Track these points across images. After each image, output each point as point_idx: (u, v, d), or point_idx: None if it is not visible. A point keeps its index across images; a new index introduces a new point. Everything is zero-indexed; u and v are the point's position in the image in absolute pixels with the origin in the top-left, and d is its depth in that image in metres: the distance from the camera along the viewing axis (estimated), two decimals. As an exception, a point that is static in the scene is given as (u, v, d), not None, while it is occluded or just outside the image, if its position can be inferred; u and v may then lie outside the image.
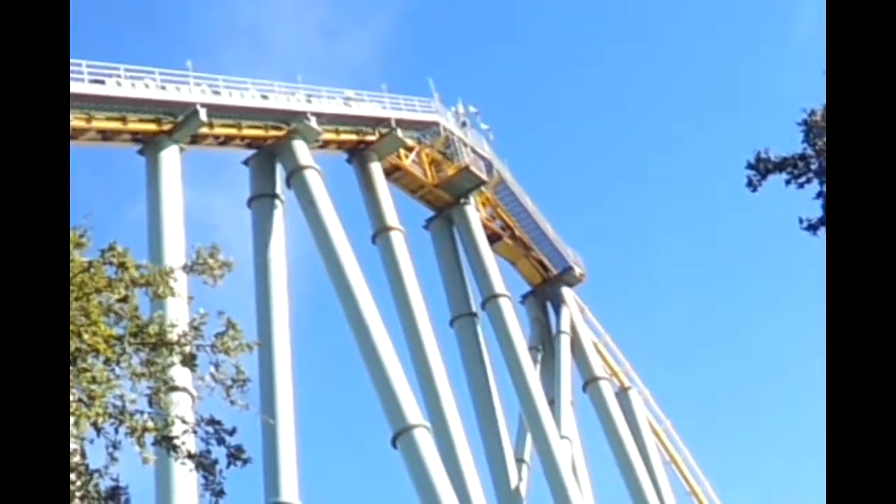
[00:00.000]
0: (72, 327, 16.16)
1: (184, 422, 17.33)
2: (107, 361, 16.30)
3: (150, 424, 16.66)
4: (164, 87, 41.31)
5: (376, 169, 49.66)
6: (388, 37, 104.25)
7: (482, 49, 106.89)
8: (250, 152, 45.74)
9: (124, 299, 16.86)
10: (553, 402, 52.96)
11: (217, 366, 17.24)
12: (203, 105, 41.73)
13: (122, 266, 16.83)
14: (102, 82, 39.33)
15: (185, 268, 17.48)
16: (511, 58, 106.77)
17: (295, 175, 44.80)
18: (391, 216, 48.46)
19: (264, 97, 45.17)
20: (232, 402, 16.85)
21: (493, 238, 56.14)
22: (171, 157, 41.22)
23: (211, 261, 17.28)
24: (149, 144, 41.19)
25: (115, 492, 16.86)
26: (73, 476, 16.41)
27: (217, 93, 43.15)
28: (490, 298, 51.81)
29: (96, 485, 16.70)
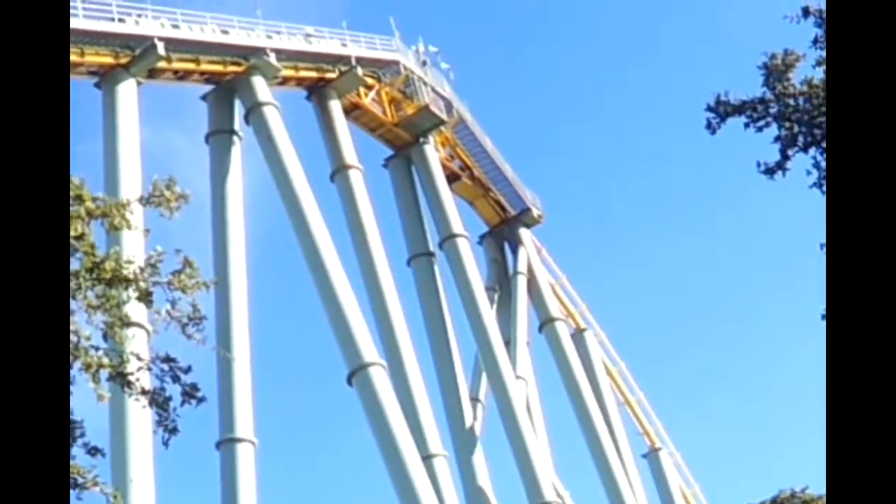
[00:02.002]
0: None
1: (139, 358, 17.29)
2: (62, 295, 16.19)
3: (105, 360, 16.60)
4: (121, 20, 40.84)
5: (335, 107, 49.39)
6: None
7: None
8: (209, 88, 45.35)
9: (80, 236, 16.73)
10: (509, 343, 53.16)
11: (174, 303, 17.17)
12: (161, 39, 41.32)
13: (79, 198, 16.69)
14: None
15: (141, 200, 17.36)
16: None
17: (253, 111, 44.49)
18: (350, 154, 48.27)
19: (224, 32, 44.73)
20: (188, 337, 16.80)
21: (451, 178, 56.05)
22: (128, 91, 40.83)
23: (167, 193, 17.17)
24: (106, 77, 40.77)
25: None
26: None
27: (176, 26, 42.69)
28: (448, 238, 51.82)
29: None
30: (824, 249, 16.32)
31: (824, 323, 17.70)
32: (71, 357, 16.35)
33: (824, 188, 19.72)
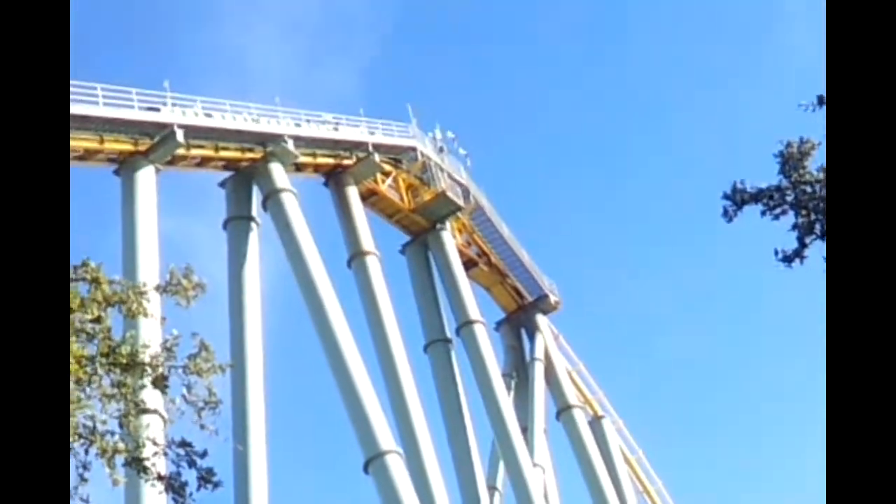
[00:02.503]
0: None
1: (154, 443, 17.26)
2: (78, 381, 16.22)
3: (120, 446, 16.59)
4: (142, 108, 41.22)
5: (353, 193, 49.63)
6: (369, 66, 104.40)
7: (461, 76, 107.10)
8: (227, 174, 45.66)
9: (97, 319, 16.78)
10: (526, 430, 52.91)
11: (189, 387, 17.18)
12: (180, 126, 41.61)
13: (95, 282, 16.77)
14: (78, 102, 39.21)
15: (158, 288, 17.43)
16: (490, 83, 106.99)
17: (271, 198, 44.72)
18: (367, 240, 48.41)
19: (242, 120, 45.11)
20: (202, 427, 16.78)
21: (468, 264, 56.15)
22: (146, 178, 41.05)
23: (184, 281, 17.24)
24: (124, 165, 41.04)
25: (84, 512, 16.76)
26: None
27: (195, 114, 43.06)
28: (464, 324, 51.78)
29: (65, 505, 16.59)
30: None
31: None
32: (86, 442, 16.34)
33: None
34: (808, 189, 20.01)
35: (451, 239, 54.26)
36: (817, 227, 19.80)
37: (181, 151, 42.27)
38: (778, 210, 20.18)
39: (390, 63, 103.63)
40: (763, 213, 20.33)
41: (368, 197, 51.45)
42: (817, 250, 19.89)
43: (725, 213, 20.38)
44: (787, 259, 19.97)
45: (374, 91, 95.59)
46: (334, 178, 49.68)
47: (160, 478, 17.14)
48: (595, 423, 59.09)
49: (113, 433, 16.70)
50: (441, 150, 55.81)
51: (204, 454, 17.33)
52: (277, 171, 45.16)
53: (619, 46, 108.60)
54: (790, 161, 20.12)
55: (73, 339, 16.25)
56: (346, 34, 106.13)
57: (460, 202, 54.28)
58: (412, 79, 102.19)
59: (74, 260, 17.07)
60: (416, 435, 44.70)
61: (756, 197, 20.19)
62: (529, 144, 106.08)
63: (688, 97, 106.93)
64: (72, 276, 16.88)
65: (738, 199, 20.24)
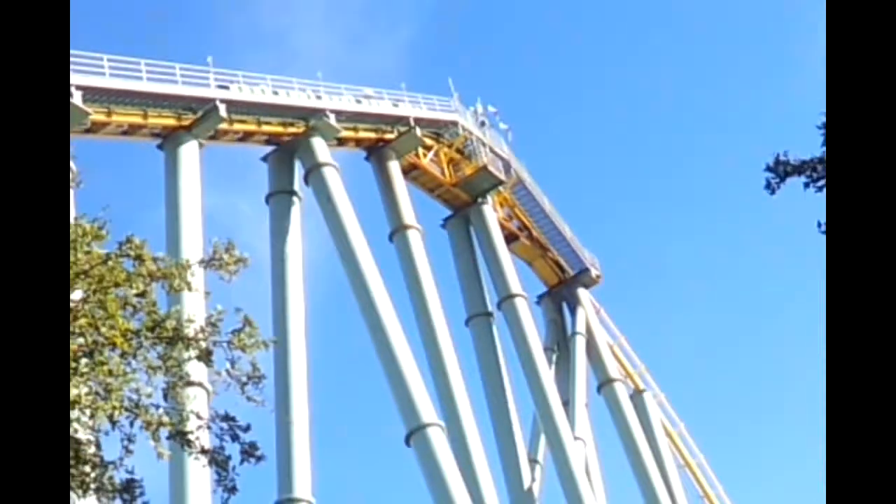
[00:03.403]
0: (90, 320, 16.22)
1: (199, 417, 17.40)
2: (123, 355, 16.35)
3: (165, 419, 16.72)
4: (184, 83, 41.40)
5: (394, 167, 49.68)
6: (413, 44, 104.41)
7: (503, 49, 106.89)
8: (269, 149, 45.81)
9: (142, 294, 16.90)
10: (567, 404, 52.93)
11: (233, 362, 17.29)
12: (223, 101, 41.79)
13: (139, 258, 16.88)
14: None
15: (201, 262, 17.52)
16: (531, 58, 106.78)
17: (313, 172, 44.85)
18: (408, 215, 48.47)
19: (284, 94, 45.22)
20: (248, 399, 16.89)
21: (510, 238, 56.13)
22: (190, 153, 41.25)
23: (226, 256, 17.32)
24: (168, 140, 41.26)
25: (129, 484, 16.94)
26: (87, 468, 16.48)
27: (238, 89, 43.21)
28: (506, 298, 51.80)
29: (111, 477, 16.77)
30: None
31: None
32: (132, 415, 16.48)
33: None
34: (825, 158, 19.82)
35: (492, 213, 54.24)
36: (861, 199, 19.64)
37: (224, 126, 42.45)
38: (821, 182, 20.01)
39: (432, 41, 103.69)
40: (806, 185, 20.16)
41: (410, 171, 51.50)
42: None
43: (768, 185, 20.20)
44: (830, 231, 19.81)
45: (416, 69, 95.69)
46: (376, 152, 49.75)
47: (204, 451, 17.27)
48: (636, 396, 59.06)
49: (157, 406, 16.84)
50: (482, 124, 55.75)
51: (247, 428, 17.45)
52: (319, 145, 45.28)
53: (666, 19, 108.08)
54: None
55: (119, 312, 16.37)
56: (388, 12, 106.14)
57: (502, 176, 54.23)
58: (454, 56, 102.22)
59: (119, 235, 17.21)
60: (458, 408, 44.83)
61: (799, 169, 20.02)
62: (571, 118, 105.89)
63: (734, 69, 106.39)
64: (116, 251, 17.00)
65: (780, 171, 20.07)
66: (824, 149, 20.37)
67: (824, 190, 20.30)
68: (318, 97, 46.42)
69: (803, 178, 20.37)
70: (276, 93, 44.85)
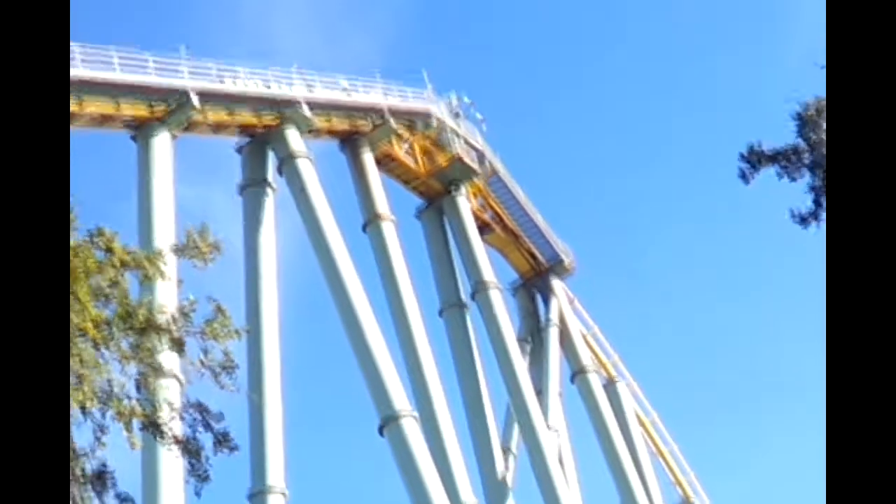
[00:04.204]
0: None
1: (171, 407, 17.35)
2: (95, 344, 16.29)
3: (137, 409, 16.67)
4: (157, 73, 41.23)
5: (368, 158, 49.58)
6: (389, 36, 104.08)
7: (478, 41, 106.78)
8: (243, 139, 45.66)
9: (114, 283, 16.84)
10: (541, 393, 52.98)
11: (206, 352, 17.25)
12: (196, 91, 41.64)
13: (109, 250, 16.81)
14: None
15: (174, 249, 17.47)
16: (506, 49, 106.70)
17: (287, 163, 44.74)
18: (382, 205, 48.40)
19: (258, 84, 45.07)
20: (220, 386, 16.86)
21: (483, 228, 56.08)
22: (162, 144, 41.12)
23: (200, 243, 17.27)
24: (141, 130, 41.08)
25: (101, 474, 16.89)
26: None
27: (211, 80, 43.04)
28: (480, 289, 51.80)
29: (83, 466, 16.71)
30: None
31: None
32: (104, 406, 16.42)
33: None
34: (825, 150, 19.91)
35: (466, 203, 54.20)
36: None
37: (197, 117, 42.28)
38: (795, 171, 20.10)
39: (408, 33, 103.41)
40: (780, 175, 20.26)
41: (384, 161, 51.38)
42: (834, 211, 19.81)
43: (742, 174, 20.33)
44: (803, 220, 19.92)
45: (392, 60, 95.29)
46: (350, 142, 49.64)
47: (177, 441, 17.23)
48: (610, 386, 59.12)
49: (130, 397, 16.78)
50: (457, 114, 55.63)
51: (220, 417, 17.42)
52: (293, 135, 45.16)
53: (642, 11, 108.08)
54: (808, 122, 20.03)
55: (90, 301, 16.31)
56: (365, 5, 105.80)
57: (475, 167, 54.19)
58: (429, 47, 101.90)
59: (90, 225, 17.13)
60: (432, 398, 44.85)
61: (773, 158, 20.12)
62: (546, 109, 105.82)
63: (707, 58, 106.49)
64: (86, 241, 16.93)
65: (754, 160, 20.17)
66: (798, 138, 20.47)
67: (799, 179, 20.41)
68: (292, 88, 46.28)
69: (777, 168, 20.48)
70: (247, 83, 44.66)
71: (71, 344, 15.95)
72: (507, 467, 49.71)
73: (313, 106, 46.36)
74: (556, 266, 59.69)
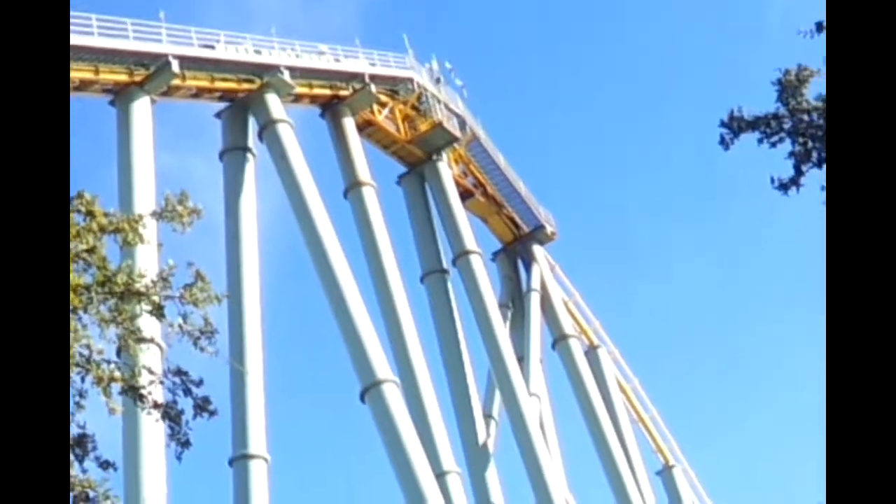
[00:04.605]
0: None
1: (151, 372, 17.32)
2: (74, 310, 16.24)
3: (116, 374, 16.64)
4: (136, 38, 41.01)
5: (349, 124, 49.47)
6: (370, 5, 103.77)
7: (458, 7, 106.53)
8: (223, 105, 45.49)
9: (92, 249, 16.77)
10: (522, 360, 53.09)
11: (185, 317, 17.20)
12: (175, 56, 41.45)
13: (90, 214, 16.74)
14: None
15: (153, 214, 17.41)
16: (486, 15, 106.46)
17: (267, 128, 44.60)
18: (363, 171, 48.33)
19: (237, 50, 44.89)
20: (200, 350, 16.83)
21: (465, 195, 56.07)
22: (142, 109, 40.96)
23: (180, 207, 17.21)
24: (120, 96, 40.90)
25: (81, 439, 16.87)
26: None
27: (190, 45, 42.85)
28: (461, 255, 51.82)
29: (63, 431, 16.67)
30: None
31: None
32: (83, 371, 16.39)
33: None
34: (806, 117, 19.90)
35: (447, 170, 54.16)
36: (814, 154, 19.72)
37: (177, 82, 42.12)
38: (775, 138, 20.08)
39: (392, 3, 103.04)
40: (760, 141, 20.23)
41: (365, 128, 51.28)
42: (814, 178, 19.83)
43: (722, 140, 20.28)
44: (784, 187, 19.90)
45: (371, 26, 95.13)
46: (331, 109, 49.50)
47: (156, 406, 17.22)
48: (591, 352, 59.31)
49: (109, 362, 16.75)
50: (438, 80, 55.53)
51: (200, 383, 17.40)
52: (273, 101, 45.01)
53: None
54: (788, 88, 20.00)
55: (69, 266, 16.24)
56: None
57: (457, 133, 54.12)
58: (409, 13, 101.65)
59: (70, 192, 17.05)
60: (413, 364, 44.91)
61: (753, 124, 20.09)
62: (528, 75, 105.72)
63: (687, 24, 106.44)
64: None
65: (735, 126, 20.13)
66: (778, 104, 20.45)
67: (779, 146, 20.39)
68: (273, 53, 46.10)
69: (757, 134, 20.46)
70: (227, 48, 44.47)
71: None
72: (488, 433, 49.85)
73: (294, 72, 46.22)
74: (537, 233, 59.76)
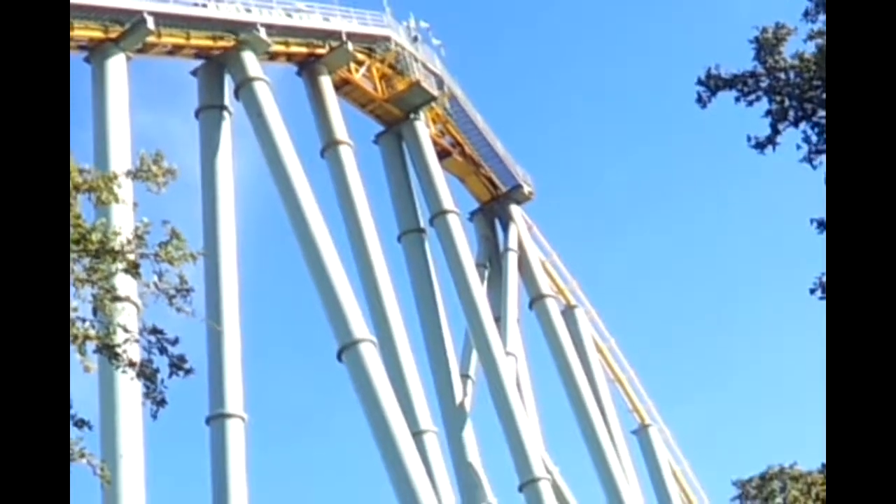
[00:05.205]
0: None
1: (126, 330, 17.25)
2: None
3: (91, 332, 16.56)
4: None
5: (326, 82, 49.24)
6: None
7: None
8: (199, 63, 45.20)
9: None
10: (499, 319, 53.15)
11: (161, 275, 17.12)
12: (151, 13, 41.14)
13: (65, 171, 16.61)
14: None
15: (128, 174, 17.29)
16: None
17: (244, 86, 44.36)
18: (340, 130, 48.15)
19: (214, 7, 44.56)
20: (176, 309, 16.76)
21: (442, 154, 55.93)
22: (117, 66, 40.67)
23: (155, 168, 17.09)
24: (95, 52, 40.59)
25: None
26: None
27: (166, 1, 42.55)
28: (438, 214, 51.76)
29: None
30: (823, 229, 16.23)
31: (818, 300, 17.70)
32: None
33: (815, 163, 19.70)
34: (783, 75, 19.89)
35: (424, 129, 54.00)
36: (791, 113, 19.72)
37: (152, 39, 41.83)
38: (752, 96, 20.07)
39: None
40: (737, 100, 20.23)
41: (342, 86, 51.06)
42: (790, 137, 19.85)
43: (699, 98, 20.27)
44: (760, 145, 19.92)
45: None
46: (307, 67, 49.25)
47: (131, 364, 17.16)
48: (568, 312, 59.37)
49: (84, 320, 16.67)
50: (415, 39, 55.24)
51: (175, 341, 17.35)
52: (250, 59, 44.74)
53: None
54: (765, 47, 19.98)
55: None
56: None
57: (434, 92, 53.93)
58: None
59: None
60: (390, 324, 44.96)
61: (730, 83, 20.07)
62: (503, 33, 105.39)
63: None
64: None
65: (712, 84, 20.12)
66: (755, 62, 20.42)
67: (756, 104, 20.36)
68: (249, 10, 45.79)
69: (734, 93, 20.44)
70: (205, 5, 44.18)
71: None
72: (465, 393, 49.96)
73: (270, 29, 45.92)
74: (514, 192, 59.68)
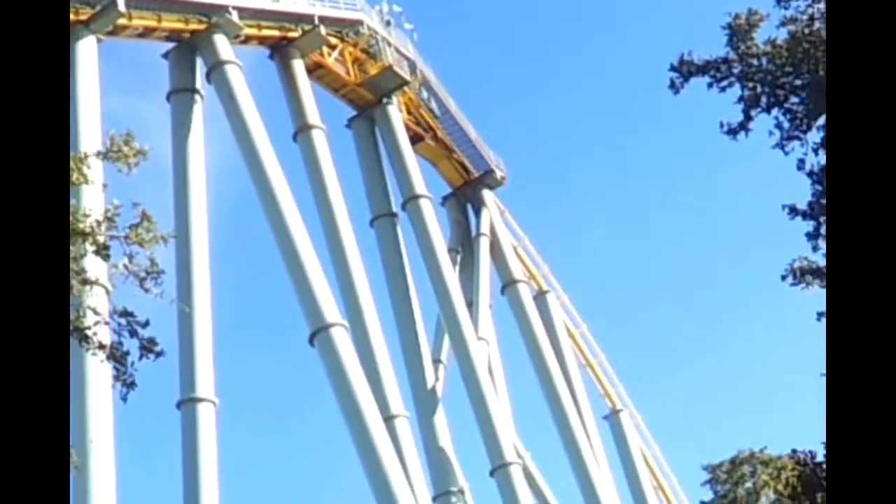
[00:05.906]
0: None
1: (96, 313, 17.17)
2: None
3: (62, 315, 16.46)
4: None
5: (298, 66, 49.06)
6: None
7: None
8: (170, 45, 44.97)
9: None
10: (471, 304, 53.19)
11: (131, 257, 17.04)
12: (121, -6, 40.89)
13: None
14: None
15: (98, 154, 17.19)
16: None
17: (215, 70, 44.14)
18: (313, 114, 48.00)
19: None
20: (146, 291, 16.69)
21: (414, 139, 55.81)
22: (88, 49, 40.41)
23: (125, 148, 16.99)
24: (65, 34, 40.28)
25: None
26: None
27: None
28: (410, 199, 51.70)
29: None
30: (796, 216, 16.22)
31: (789, 286, 17.70)
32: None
33: (787, 149, 19.75)
34: (755, 62, 19.92)
35: (397, 113, 53.90)
36: (763, 99, 19.77)
37: (123, 21, 41.55)
38: (725, 82, 20.10)
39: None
40: (710, 86, 20.26)
41: (314, 70, 50.89)
42: (762, 123, 19.89)
43: (672, 84, 20.29)
44: (733, 131, 19.96)
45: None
46: (280, 50, 49.07)
47: (101, 347, 17.08)
48: (539, 297, 59.43)
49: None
50: (388, 23, 55.12)
51: (146, 324, 17.29)
52: (222, 42, 44.52)
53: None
54: (738, 33, 20.01)
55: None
56: None
57: (407, 76, 53.83)
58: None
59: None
60: (362, 308, 44.90)
61: (703, 69, 20.10)
62: (476, 18, 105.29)
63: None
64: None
65: (685, 70, 20.14)
66: (728, 48, 20.44)
67: (728, 90, 20.39)
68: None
69: (707, 78, 20.47)
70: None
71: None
72: (436, 377, 49.99)
73: (242, 12, 45.67)
74: (487, 177, 59.66)
